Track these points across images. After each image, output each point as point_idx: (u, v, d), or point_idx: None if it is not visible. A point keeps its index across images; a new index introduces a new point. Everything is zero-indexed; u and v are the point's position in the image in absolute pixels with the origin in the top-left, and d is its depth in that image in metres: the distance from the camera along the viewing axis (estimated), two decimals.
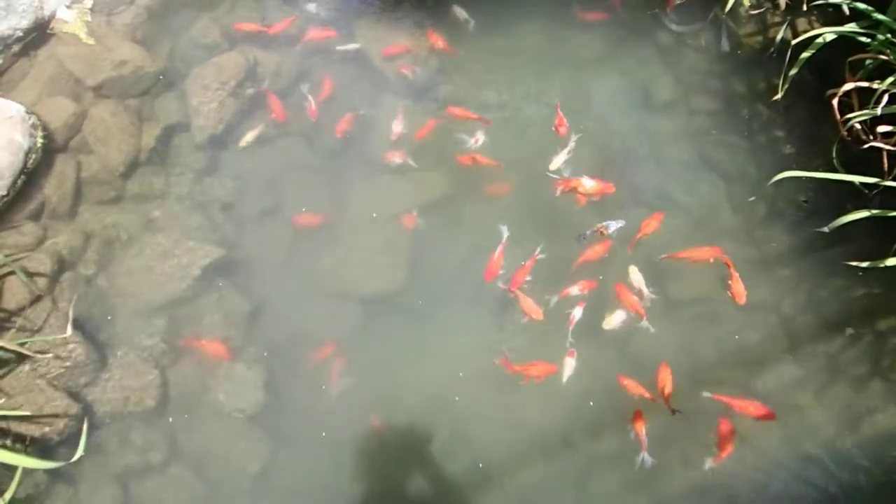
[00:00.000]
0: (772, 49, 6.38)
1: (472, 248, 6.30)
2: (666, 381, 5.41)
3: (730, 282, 5.70)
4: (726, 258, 5.80)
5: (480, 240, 6.24)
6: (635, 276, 5.86)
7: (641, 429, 5.29)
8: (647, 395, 5.29)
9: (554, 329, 5.81)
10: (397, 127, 6.38)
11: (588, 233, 5.89)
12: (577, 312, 5.76)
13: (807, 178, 5.78)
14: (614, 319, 5.76)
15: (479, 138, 6.39)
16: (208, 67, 6.33)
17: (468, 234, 6.37)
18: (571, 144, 6.25)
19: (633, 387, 5.41)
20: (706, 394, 5.53)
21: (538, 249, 5.88)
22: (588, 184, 6.00)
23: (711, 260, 5.87)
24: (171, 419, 5.63)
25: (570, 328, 5.71)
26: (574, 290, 5.86)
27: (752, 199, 6.32)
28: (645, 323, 5.72)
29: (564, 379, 5.60)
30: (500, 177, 6.31)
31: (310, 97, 6.46)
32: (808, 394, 5.73)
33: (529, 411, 5.80)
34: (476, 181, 6.35)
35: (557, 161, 6.15)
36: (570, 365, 5.63)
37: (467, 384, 5.86)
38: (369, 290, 6.29)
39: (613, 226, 5.96)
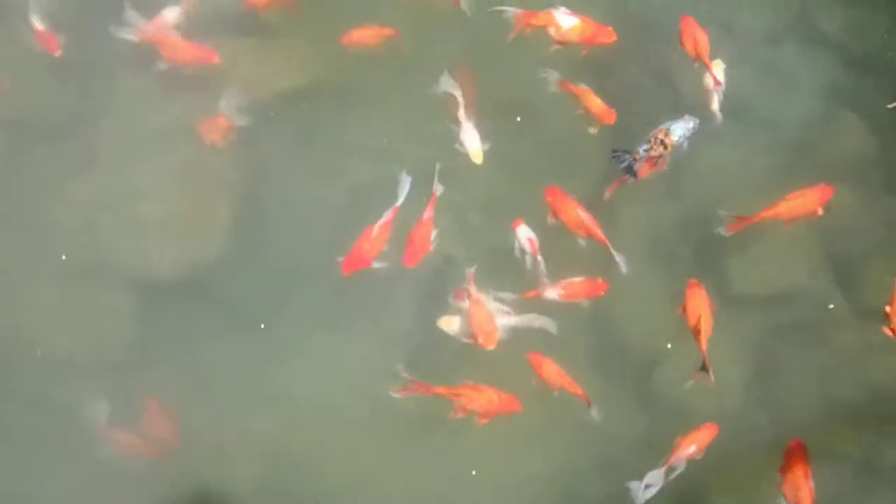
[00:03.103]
0: None
1: (349, 190, 4.58)
2: None
3: None
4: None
5: (367, 176, 4.57)
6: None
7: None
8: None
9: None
10: None
11: (642, 151, 4.11)
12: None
13: None
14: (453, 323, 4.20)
15: None
16: None
17: (344, 163, 4.64)
18: None
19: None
20: None
21: (436, 181, 4.26)
22: (565, 21, 4.24)
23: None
24: None
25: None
26: (552, 292, 4.18)
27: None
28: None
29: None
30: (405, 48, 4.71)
31: None
32: None
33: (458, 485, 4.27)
34: (365, 62, 4.70)
35: None
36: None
37: (343, 437, 4.33)
38: (155, 271, 4.49)
39: (680, 131, 4.15)
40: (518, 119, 4.53)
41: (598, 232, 4.05)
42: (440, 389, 3.92)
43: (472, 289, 4.07)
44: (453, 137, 4.38)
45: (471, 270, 4.13)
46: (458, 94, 4.37)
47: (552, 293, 4.11)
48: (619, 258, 4.04)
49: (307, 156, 4.60)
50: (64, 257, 4.42)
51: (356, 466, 4.25)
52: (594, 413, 3.96)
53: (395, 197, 4.21)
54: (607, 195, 4.29)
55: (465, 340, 4.10)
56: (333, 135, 4.64)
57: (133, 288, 4.41)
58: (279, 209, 4.52)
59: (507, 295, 4.18)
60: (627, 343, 4.36)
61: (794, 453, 3.82)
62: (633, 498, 3.81)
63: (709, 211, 4.27)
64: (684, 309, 3.94)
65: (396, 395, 3.95)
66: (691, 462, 3.90)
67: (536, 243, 4.15)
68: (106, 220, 4.46)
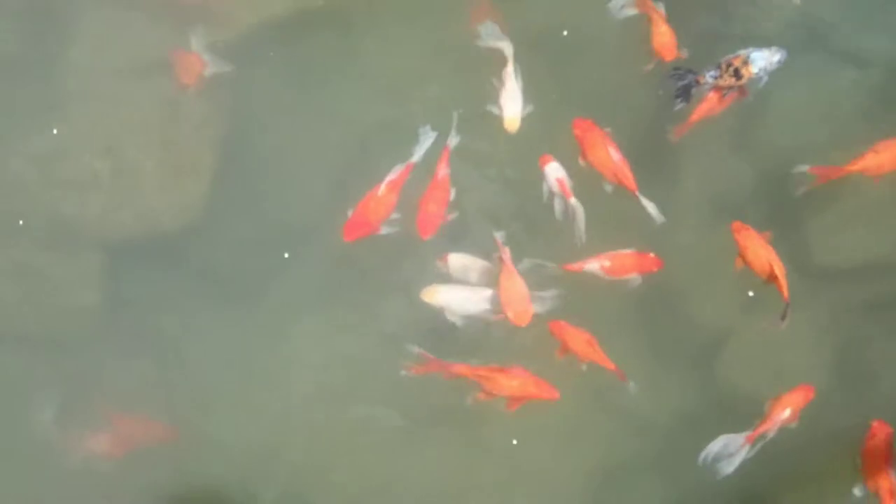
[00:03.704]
0: None
1: (353, 141, 4.12)
2: None
3: None
4: None
5: (375, 124, 4.12)
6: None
7: None
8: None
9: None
10: None
11: (708, 77, 3.78)
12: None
13: None
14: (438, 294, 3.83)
15: None
16: None
17: (348, 108, 4.18)
18: None
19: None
20: None
21: (453, 132, 3.85)
22: None
23: None
24: None
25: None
26: (595, 265, 3.75)
27: None
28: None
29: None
30: None
31: None
32: None
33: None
34: None
35: None
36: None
37: (348, 428, 3.92)
38: (124, 232, 4.11)
39: (762, 62, 3.75)
40: (564, 33, 4.10)
41: (628, 174, 3.70)
42: (462, 368, 3.58)
43: (506, 256, 3.67)
44: (490, 92, 3.95)
45: (499, 235, 3.74)
46: (506, 47, 3.95)
47: (595, 266, 3.71)
48: (651, 208, 3.66)
49: (302, 98, 4.19)
50: (21, 222, 4.10)
51: (362, 462, 3.88)
52: (632, 388, 3.65)
53: (411, 151, 3.79)
54: (675, 137, 3.87)
55: (493, 317, 3.71)
56: (335, 72, 4.23)
57: (100, 252, 4.07)
58: (269, 162, 4.15)
59: (542, 265, 3.76)
60: (684, 320, 3.95)
61: (876, 436, 3.62)
62: (710, 467, 3.54)
63: (782, 164, 3.87)
64: (742, 258, 3.64)
65: (409, 374, 3.62)
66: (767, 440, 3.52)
67: (568, 184, 3.74)
68: (67, 174, 4.10)
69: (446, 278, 3.77)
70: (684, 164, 4.00)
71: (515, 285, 3.64)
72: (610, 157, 3.71)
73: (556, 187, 3.71)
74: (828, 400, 3.78)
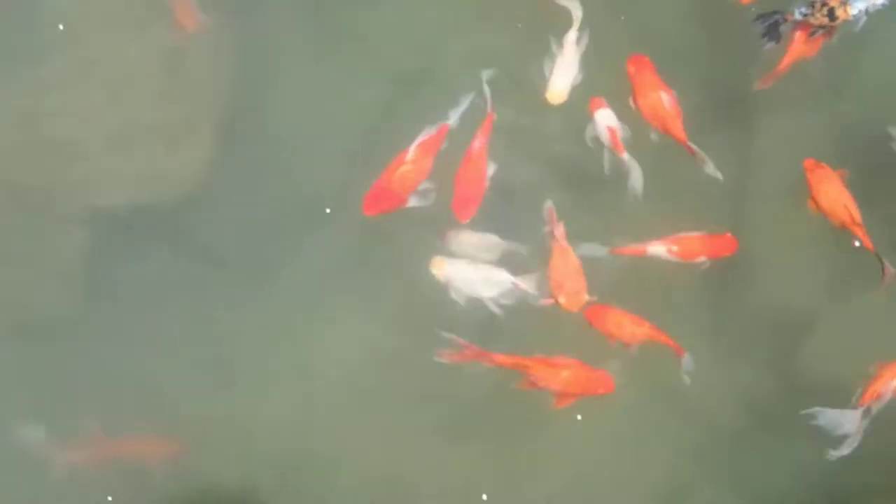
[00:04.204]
0: None
1: (377, 98, 3.70)
2: None
3: None
4: None
5: (405, 77, 3.70)
6: None
7: None
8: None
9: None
10: None
11: (797, 14, 3.47)
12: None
13: None
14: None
15: None
16: None
17: (371, 58, 3.78)
18: None
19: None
20: None
21: (488, 95, 3.47)
22: None
23: None
24: None
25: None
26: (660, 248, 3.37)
27: None
28: None
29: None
30: None
31: None
32: None
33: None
34: None
35: None
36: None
37: (372, 425, 3.56)
38: (113, 201, 3.69)
39: (862, 3, 3.39)
40: None
41: (677, 123, 3.39)
42: (503, 357, 3.25)
43: (558, 231, 3.29)
44: (545, 57, 3.56)
45: (550, 206, 3.36)
46: (575, 8, 3.56)
47: (660, 250, 3.35)
48: (707, 164, 3.36)
49: (319, 46, 3.81)
50: None
51: (389, 462, 3.48)
52: (686, 365, 3.26)
53: (446, 112, 3.40)
54: (761, 86, 3.51)
55: (542, 302, 3.33)
56: (357, 14, 3.80)
57: (85, 225, 3.67)
58: (281, 122, 3.77)
59: (595, 247, 3.37)
60: (761, 304, 3.54)
61: None
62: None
63: (876, 121, 3.51)
64: (814, 200, 3.34)
65: (443, 360, 3.30)
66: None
67: (620, 134, 3.36)
68: (47, 134, 3.70)
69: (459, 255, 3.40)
70: (761, 118, 3.58)
71: (569, 264, 3.28)
72: (661, 100, 3.39)
73: (606, 138, 3.33)
74: None
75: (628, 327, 3.31)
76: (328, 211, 3.60)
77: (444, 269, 3.38)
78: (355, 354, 3.55)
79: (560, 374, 3.26)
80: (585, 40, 3.53)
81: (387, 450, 3.54)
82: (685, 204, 3.46)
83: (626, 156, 3.28)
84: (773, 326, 3.50)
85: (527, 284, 3.32)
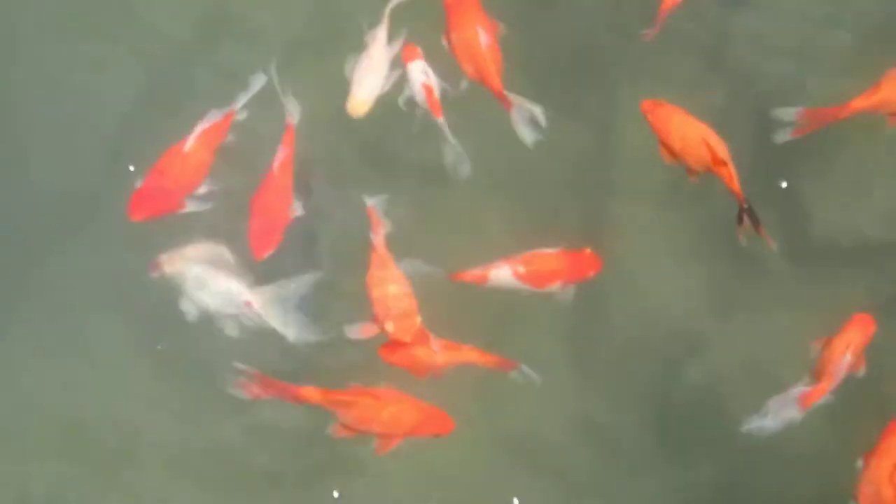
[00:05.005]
0: None
1: (155, 74, 2.98)
2: None
3: None
4: None
5: (183, 55, 2.98)
6: None
7: None
8: None
9: None
10: None
11: None
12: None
13: None
14: None
15: None
16: None
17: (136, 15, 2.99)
18: None
19: None
20: None
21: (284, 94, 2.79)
22: None
23: None
24: None
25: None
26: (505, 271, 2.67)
27: None
28: None
29: None
30: None
31: None
32: None
33: None
34: None
35: None
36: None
37: None
38: None
39: None
40: None
41: (492, 69, 2.70)
42: (309, 392, 2.56)
43: (379, 234, 2.63)
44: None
45: (373, 202, 2.68)
46: None
47: (505, 274, 2.67)
48: (523, 128, 2.66)
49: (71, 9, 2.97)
50: None
51: None
52: (526, 374, 2.60)
53: (233, 94, 2.71)
54: (648, 36, 2.78)
55: (357, 334, 2.63)
56: None
57: None
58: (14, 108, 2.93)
59: (428, 269, 2.66)
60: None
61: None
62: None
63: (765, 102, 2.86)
64: (665, 145, 2.68)
65: (241, 394, 2.56)
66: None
67: (437, 91, 2.70)
68: None
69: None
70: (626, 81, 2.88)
71: (392, 278, 2.59)
72: (476, 37, 2.70)
73: (419, 94, 2.69)
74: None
75: (435, 353, 2.65)
76: (74, 210, 2.77)
77: (176, 265, 2.62)
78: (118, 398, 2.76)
79: (383, 412, 2.59)
80: (401, 39, 2.80)
81: None
82: (521, 192, 2.80)
83: (441, 120, 2.62)
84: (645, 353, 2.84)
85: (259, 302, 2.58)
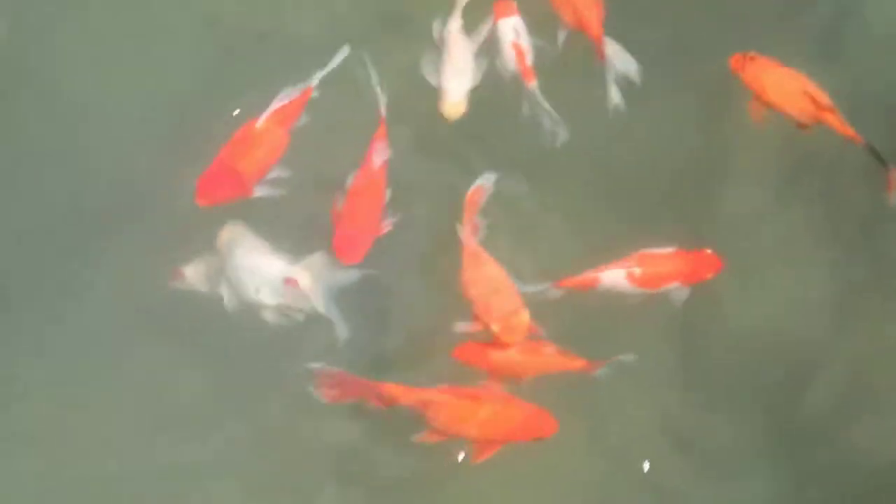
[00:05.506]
0: None
1: (216, 45, 2.73)
2: None
3: None
4: None
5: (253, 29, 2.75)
6: None
7: None
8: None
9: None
10: None
11: None
12: None
13: None
14: None
15: None
16: None
17: None
18: None
19: None
20: None
21: (377, 85, 2.58)
22: None
23: None
24: None
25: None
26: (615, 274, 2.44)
27: None
28: None
29: None
30: None
31: None
32: None
33: None
34: None
35: None
36: None
37: None
38: None
39: None
40: None
41: (593, 16, 2.52)
42: (397, 389, 2.34)
43: (468, 227, 2.42)
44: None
45: (485, 180, 2.49)
46: None
47: (617, 277, 2.46)
48: (614, 92, 2.52)
49: None
50: None
51: None
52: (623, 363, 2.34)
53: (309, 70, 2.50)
54: None
55: (461, 328, 2.42)
56: None
57: None
58: (59, 87, 2.68)
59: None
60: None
61: None
62: None
63: None
64: (759, 99, 2.56)
65: (319, 397, 2.36)
66: None
67: (527, 51, 2.52)
68: None
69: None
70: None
71: (491, 275, 2.39)
72: None
73: (509, 54, 2.50)
74: None
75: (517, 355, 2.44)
76: (137, 196, 2.51)
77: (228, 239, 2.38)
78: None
79: (480, 412, 2.39)
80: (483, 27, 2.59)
81: None
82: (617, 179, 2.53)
83: (533, 85, 2.43)
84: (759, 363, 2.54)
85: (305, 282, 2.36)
